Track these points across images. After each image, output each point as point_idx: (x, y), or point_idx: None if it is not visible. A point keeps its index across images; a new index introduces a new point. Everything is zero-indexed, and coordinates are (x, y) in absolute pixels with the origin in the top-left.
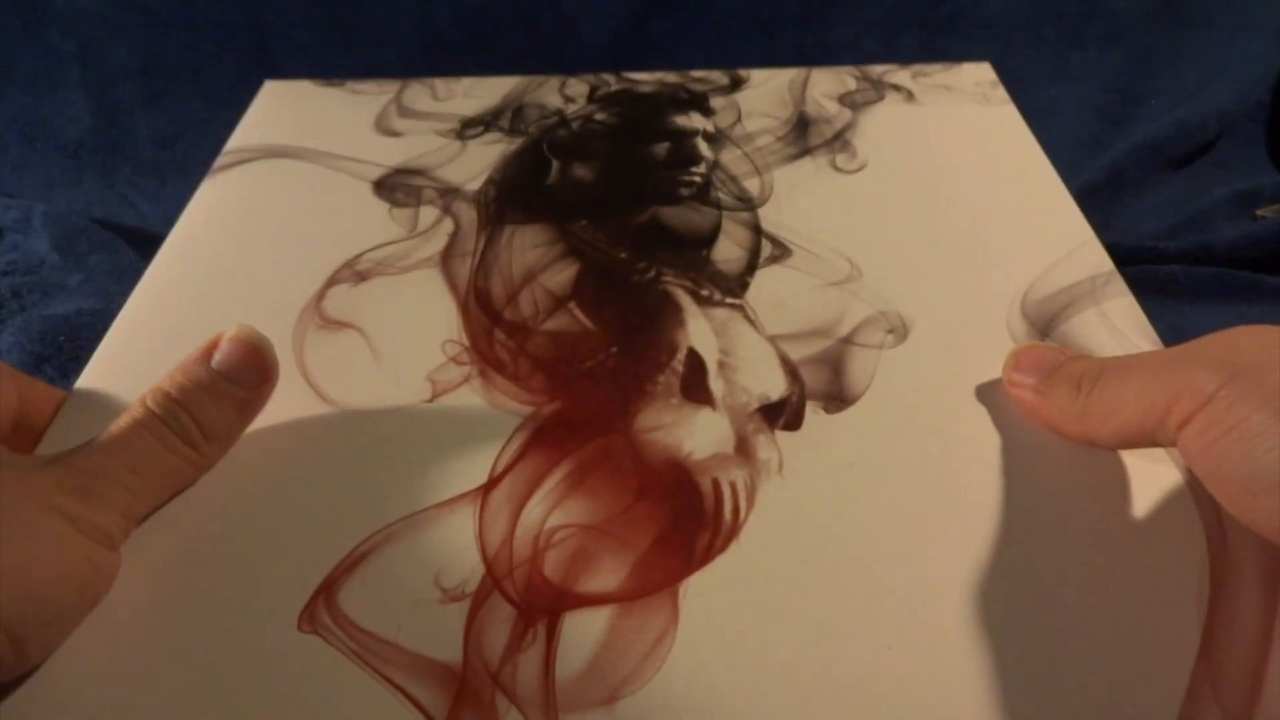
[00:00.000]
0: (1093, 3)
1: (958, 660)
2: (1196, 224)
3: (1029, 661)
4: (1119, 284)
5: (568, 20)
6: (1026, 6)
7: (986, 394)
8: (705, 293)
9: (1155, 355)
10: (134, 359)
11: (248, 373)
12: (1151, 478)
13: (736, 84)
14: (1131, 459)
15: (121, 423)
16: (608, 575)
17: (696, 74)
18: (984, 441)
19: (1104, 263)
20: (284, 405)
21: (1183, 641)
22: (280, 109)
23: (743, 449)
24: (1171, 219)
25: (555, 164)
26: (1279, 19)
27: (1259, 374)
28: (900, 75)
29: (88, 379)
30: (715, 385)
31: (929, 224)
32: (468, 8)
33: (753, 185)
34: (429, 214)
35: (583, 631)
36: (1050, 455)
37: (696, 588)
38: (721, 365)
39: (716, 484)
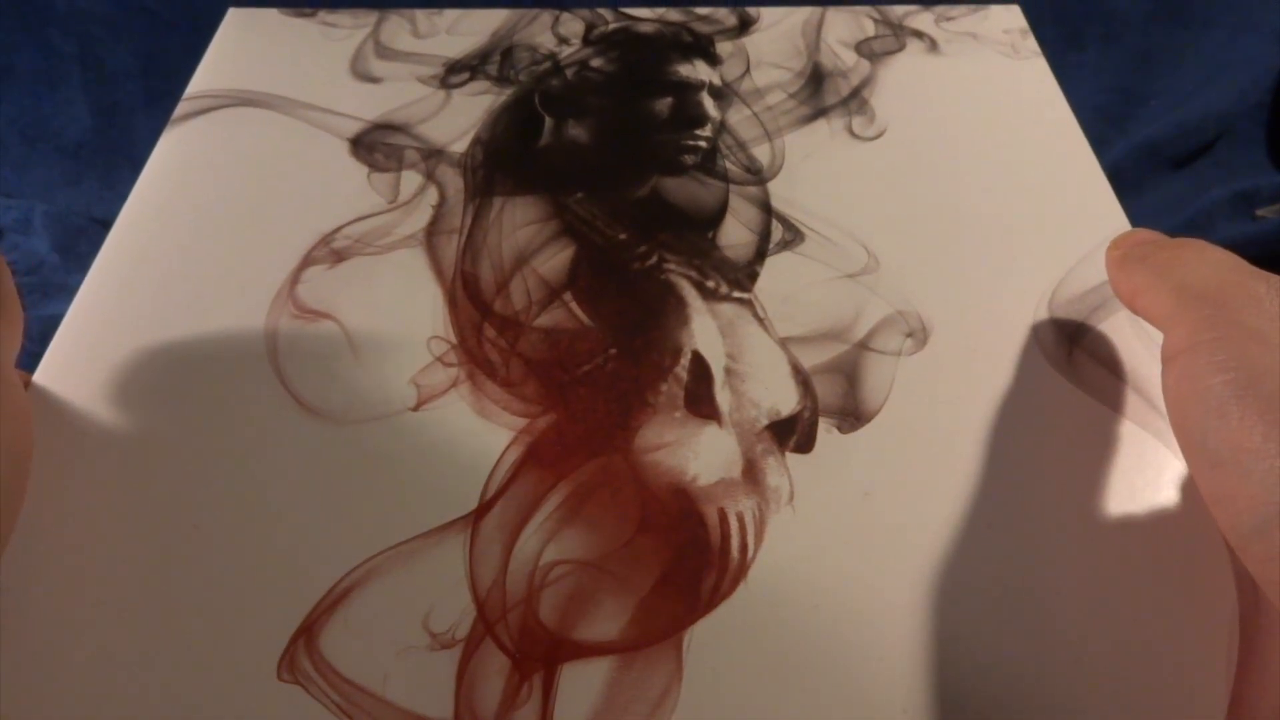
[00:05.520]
0: (1093, 3)
1: None
2: (1196, 224)
3: None
4: None
5: None
6: (1026, 7)
7: (1012, 412)
8: (711, 284)
9: (1197, 257)
10: (91, 353)
11: None
12: (1191, 525)
13: (745, 25)
14: (1170, 504)
15: None
16: (607, 621)
17: (702, 11)
18: (1009, 471)
19: None
20: (259, 414)
21: (1209, 704)
22: (247, 44)
23: (751, 474)
24: (1171, 219)
25: (548, 121)
26: (1279, 19)
27: (1251, 345)
28: (923, 19)
29: (43, 374)
30: (722, 397)
31: (952, 205)
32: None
33: (762, 153)
34: (411, 180)
35: (580, 687)
36: (1081, 487)
37: (700, 637)
38: (729, 373)
39: (723, 515)
